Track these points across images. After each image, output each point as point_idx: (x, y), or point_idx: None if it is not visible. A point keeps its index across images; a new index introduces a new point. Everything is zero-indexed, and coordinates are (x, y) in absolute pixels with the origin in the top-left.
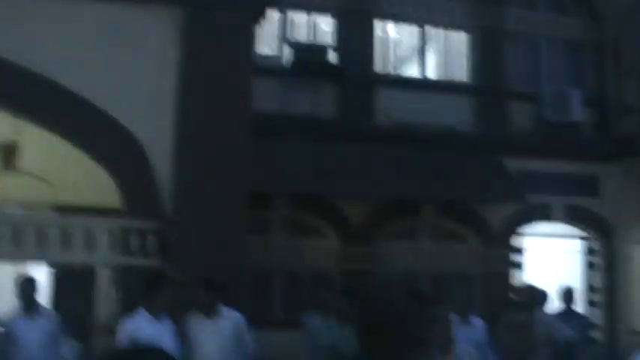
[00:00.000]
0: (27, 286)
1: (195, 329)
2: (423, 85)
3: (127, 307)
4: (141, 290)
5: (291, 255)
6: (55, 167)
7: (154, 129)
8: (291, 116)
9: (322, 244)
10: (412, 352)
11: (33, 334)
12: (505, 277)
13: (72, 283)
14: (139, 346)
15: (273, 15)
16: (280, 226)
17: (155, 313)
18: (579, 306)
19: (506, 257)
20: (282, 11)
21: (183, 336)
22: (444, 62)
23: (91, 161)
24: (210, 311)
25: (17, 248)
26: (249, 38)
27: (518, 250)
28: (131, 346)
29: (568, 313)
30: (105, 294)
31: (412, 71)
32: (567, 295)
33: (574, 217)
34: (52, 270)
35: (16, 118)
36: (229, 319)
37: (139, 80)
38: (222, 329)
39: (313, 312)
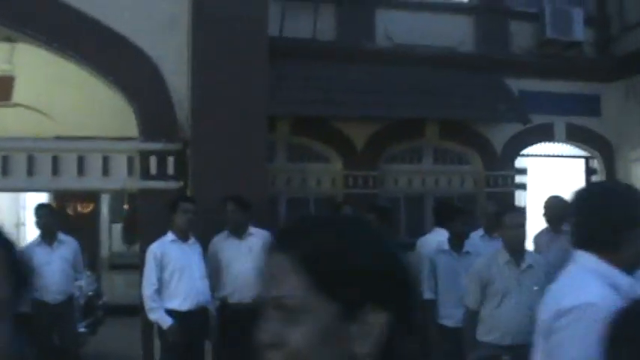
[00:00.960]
0: (46, 213)
1: (225, 249)
2: (423, 5)
3: (151, 230)
4: (165, 213)
5: (294, 180)
6: (54, 99)
7: (170, 49)
8: (290, 39)
9: (326, 168)
10: None
11: (52, 262)
12: (509, 198)
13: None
14: None
15: None
16: (283, 151)
17: (180, 234)
18: None
19: (509, 178)
20: None
21: (211, 256)
22: None
23: (94, 90)
24: (240, 230)
25: (30, 178)
26: None
27: (522, 171)
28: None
29: None
30: (107, 227)
31: None
32: None
33: (576, 137)
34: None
35: (11, 47)
36: (259, 237)
37: (154, 0)
38: (253, 248)
39: None
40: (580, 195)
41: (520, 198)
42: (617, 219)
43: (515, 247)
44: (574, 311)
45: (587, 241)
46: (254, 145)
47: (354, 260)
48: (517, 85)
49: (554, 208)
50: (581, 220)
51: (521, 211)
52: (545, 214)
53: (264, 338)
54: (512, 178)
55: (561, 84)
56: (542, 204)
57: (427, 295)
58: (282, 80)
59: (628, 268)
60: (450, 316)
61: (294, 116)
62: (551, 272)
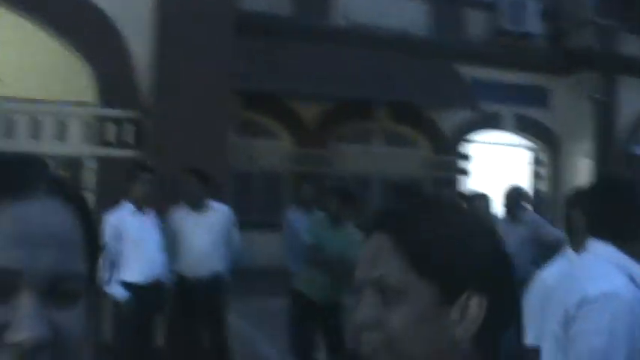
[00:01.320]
0: None
1: (184, 223)
2: None
3: (108, 199)
4: (122, 182)
5: (243, 155)
6: (3, 60)
7: (134, 13)
8: (246, 14)
9: (275, 145)
10: None
11: None
12: (453, 182)
13: None
14: None
15: None
16: (233, 127)
17: (137, 205)
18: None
19: (455, 163)
20: None
21: (169, 229)
22: None
23: (48, 52)
24: (199, 204)
25: None
26: None
27: (468, 157)
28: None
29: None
30: None
31: None
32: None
33: (523, 127)
34: None
35: None
36: (218, 212)
37: None
38: (212, 223)
39: (297, 209)
40: (598, 185)
41: (465, 183)
42: (636, 210)
43: None
44: (600, 300)
45: (603, 230)
46: (217, 119)
47: (455, 245)
48: (469, 72)
49: (514, 197)
50: (598, 210)
51: (488, 196)
52: (505, 204)
53: (361, 319)
54: (459, 163)
55: (513, 74)
56: (502, 193)
57: None
58: (233, 55)
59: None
60: None
61: (244, 91)
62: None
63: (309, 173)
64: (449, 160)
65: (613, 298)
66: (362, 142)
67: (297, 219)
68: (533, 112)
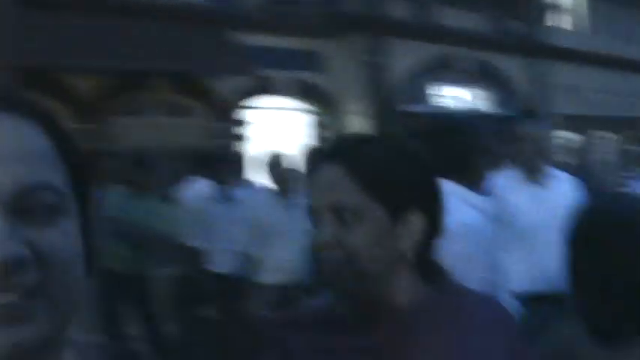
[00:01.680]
0: None
1: None
2: None
3: None
4: None
5: None
6: None
7: None
8: None
9: None
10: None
11: None
12: (233, 150)
13: None
14: None
15: None
16: None
17: None
18: None
19: (235, 131)
20: None
21: None
22: None
23: None
24: None
25: None
26: None
27: (247, 124)
28: None
29: None
30: None
31: None
32: None
33: (301, 91)
34: None
35: None
36: None
37: None
38: None
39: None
40: (435, 132)
41: (244, 150)
42: (469, 149)
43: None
44: (459, 230)
45: (447, 170)
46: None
47: (398, 170)
48: (245, 39)
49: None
50: (441, 153)
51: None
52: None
53: (323, 239)
54: (237, 130)
55: (286, 39)
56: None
57: (197, 242)
58: (16, 31)
59: (477, 189)
60: (222, 263)
61: (13, 67)
62: None
63: (90, 149)
64: (227, 127)
65: (469, 228)
66: (142, 114)
67: (105, 195)
68: (310, 77)
